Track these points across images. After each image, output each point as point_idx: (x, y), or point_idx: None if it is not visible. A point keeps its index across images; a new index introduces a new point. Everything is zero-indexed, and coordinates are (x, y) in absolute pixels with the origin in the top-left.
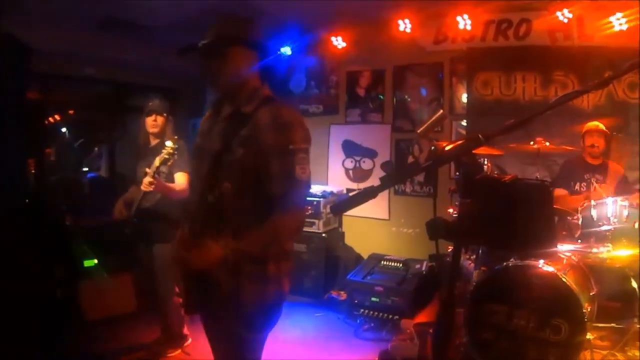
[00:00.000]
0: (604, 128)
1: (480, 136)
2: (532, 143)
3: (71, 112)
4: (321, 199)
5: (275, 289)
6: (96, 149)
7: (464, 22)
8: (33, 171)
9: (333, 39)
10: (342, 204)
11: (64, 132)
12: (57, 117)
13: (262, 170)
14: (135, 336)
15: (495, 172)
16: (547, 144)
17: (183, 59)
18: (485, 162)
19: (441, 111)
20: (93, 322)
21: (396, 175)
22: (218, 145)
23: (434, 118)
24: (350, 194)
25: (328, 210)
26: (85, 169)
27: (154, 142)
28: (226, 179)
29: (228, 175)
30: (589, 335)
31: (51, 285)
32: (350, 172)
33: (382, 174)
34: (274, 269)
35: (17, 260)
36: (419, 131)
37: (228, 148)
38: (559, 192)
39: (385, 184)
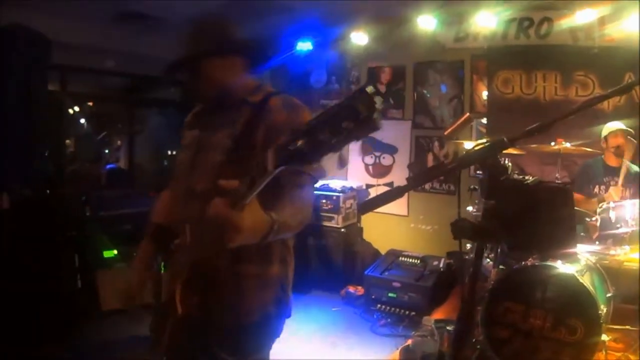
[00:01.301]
0: (630, 130)
1: (505, 139)
2: (552, 144)
3: (90, 104)
4: (341, 194)
5: (280, 300)
6: (119, 142)
7: (485, 19)
8: (52, 162)
9: (354, 34)
10: (369, 203)
11: (83, 124)
12: (76, 108)
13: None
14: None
15: (516, 172)
16: (568, 144)
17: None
18: (507, 163)
19: (467, 114)
20: (110, 312)
21: (422, 176)
22: (223, 133)
23: (460, 121)
24: (377, 194)
25: (347, 205)
26: (105, 160)
27: None
28: (234, 168)
29: (236, 164)
30: (604, 337)
31: (71, 275)
32: (370, 167)
33: (401, 169)
34: (278, 271)
35: (38, 249)
36: (445, 133)
37: (236, 135)
38: (576, 196)
39: (411, 185)
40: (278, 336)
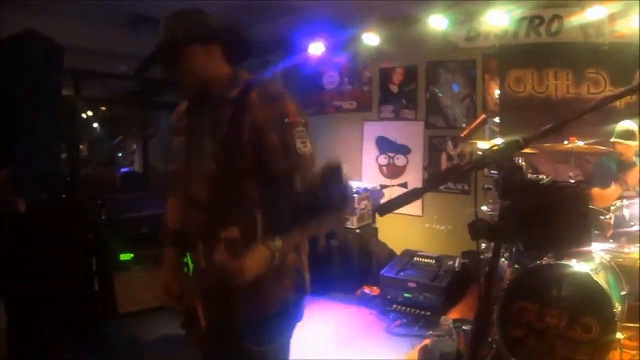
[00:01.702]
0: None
1: (521, 140)
2: (565, 142)
3: (103, 108)
4: (355, 195)
5: (297, 284)
6: (134, 146)
7: (496, 18)
8: (67, 166)
9: (366, 35)
10: (388, 204)
11: (96, 128)
12: (89, 113)
13: (261, 151)
14: (168, 329)
15: (529, 171)
16: (581, 143)
17: None
18: (521, 162)
19: (483, 116)
20: (126, 314)
21: (439, 178)
22: (209, 137)
23: (476, 123)
24: (396, 195)
25: (362, 206)
26: (118, 164)
27: None
28: (227, 170)
29: (228, 167)
30: (618, 335)
31: (89, 277)
32: (384, 168)
33: (414, 170)
34: (293, 259)
35: (55, 253)
36: (462, 135)
37: (222, 137)
38: (596, 191)
39: (429, 186)
40: (300, 319)
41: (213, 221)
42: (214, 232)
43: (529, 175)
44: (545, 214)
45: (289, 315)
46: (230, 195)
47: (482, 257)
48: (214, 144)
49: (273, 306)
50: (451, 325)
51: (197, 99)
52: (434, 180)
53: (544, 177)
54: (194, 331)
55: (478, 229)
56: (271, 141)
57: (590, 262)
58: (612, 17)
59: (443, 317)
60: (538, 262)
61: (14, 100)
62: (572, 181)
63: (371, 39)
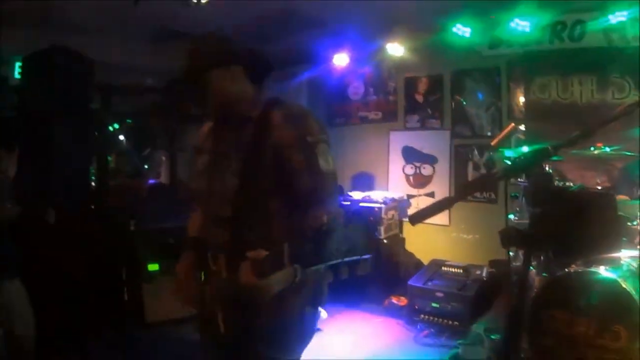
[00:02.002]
0: None
1: (550, 148)
2: (592, 148)
3: (130, 121)
4: (382, 206)
5: (316, 296)
6: (163, 158)
7: (519, 26)
8: (96, 178)
9: (390, 45)
10: (420, 213)
11: (122, 141)
12: (116, 125)
13: (285, 170)
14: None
15: (557, 179)
16: (607, 149)
17: None
18: (549, 169)
19: (512, 124)
20: (154, 324)
21: (470, 186)
22: (232, 157)
23: (505, 131)
24: (428, 205)
25: (389, 216)
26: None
27: None
28: (250, 189)
29: (252, 186)
30: None
31: (119, 287)
32: (411, 178)
33: (441, 179)
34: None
35: (85, 263)
36: (492, 144)
37: (246, 157)
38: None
39: (460, 195)
40: (317, 330)
41: (237, 237)
42: (237, 246)
43: (557, 183)
44: (575, 221)
45: (306, 326)
46: (255, 212)
47: (511, 265)
48: (238, 164)
49: (291, 317)
50: (482, 333)
51: (221, 119)
52: (465, 189)
53: (572, 184)
54: (210, 336)
55: (509, 237)
56: (294, 160)
57: (618, 269)
58: (634, 21)
59: (474, 325)
60: (566, 270)
61: (45, 114)
62: (600, 188)
63: (395, 49)
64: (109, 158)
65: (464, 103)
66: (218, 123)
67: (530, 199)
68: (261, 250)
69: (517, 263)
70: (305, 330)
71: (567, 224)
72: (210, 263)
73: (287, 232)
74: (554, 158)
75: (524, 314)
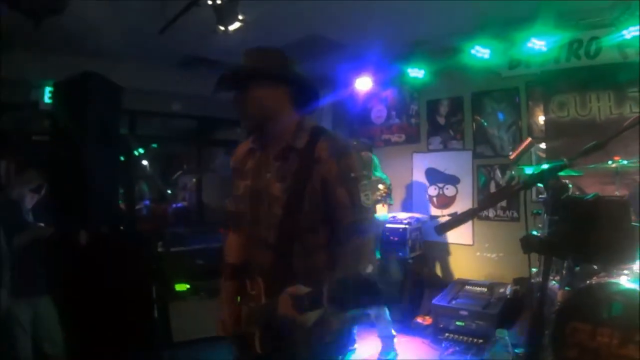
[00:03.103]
0: None
1: (565, 160)
2: (610, 162)
3: (156, 145)
4: (407, 226)
5: (350, 317)
6: (194, 180)
7: (535, 45)
8: (123, 201)
9: (411, 69)
10: (447, 224)
11: (146, 165)
12: (142, 150)
13: (328, 204)
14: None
15: (577, 193)
16: (625, 162)
17: None
18: (567, 182)
19: (529, 139)
20: (181, 343)
21: (492, 198)
22: (277, 186)
23: (523, 145)
24: (454, 215)
25: (414, 236)
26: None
27: None
28: (294, 218)
29: (295, 214)
30: None
31: (149, 306)
32: (434, 199)
33: (464, 200)
34: None
35: (116, 283)
36: (511, 157)
37: (290, 187)
38: None
39: (484, 205)
40: (353, 345)
41: (279, 264)
42: (279, 273)
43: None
44: (591, 227)
45: (341, 345)
46: (298, 242)
47: (532, 281)
48: (282, 193)
49: (327, 337)
50: (507, 338)
51: (261, 142)
52: (487, 201)
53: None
54: (246, 353)
55: (529, 243)
56: (338, 194)
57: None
58: None
59: (498, 330)
60: (588, 282)
61: (77, 138)
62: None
63: (416, 72)
64: (135, 182)
65: (485, 124)
66: (257, 145)
67: (549, 209)
68: (300, 286)
69: (540, 279)
70: (341, 347)
71: (583, 229)
72: (248, 287)
73: (327, 266)
74: (573, 173)
75: (544, 320)
